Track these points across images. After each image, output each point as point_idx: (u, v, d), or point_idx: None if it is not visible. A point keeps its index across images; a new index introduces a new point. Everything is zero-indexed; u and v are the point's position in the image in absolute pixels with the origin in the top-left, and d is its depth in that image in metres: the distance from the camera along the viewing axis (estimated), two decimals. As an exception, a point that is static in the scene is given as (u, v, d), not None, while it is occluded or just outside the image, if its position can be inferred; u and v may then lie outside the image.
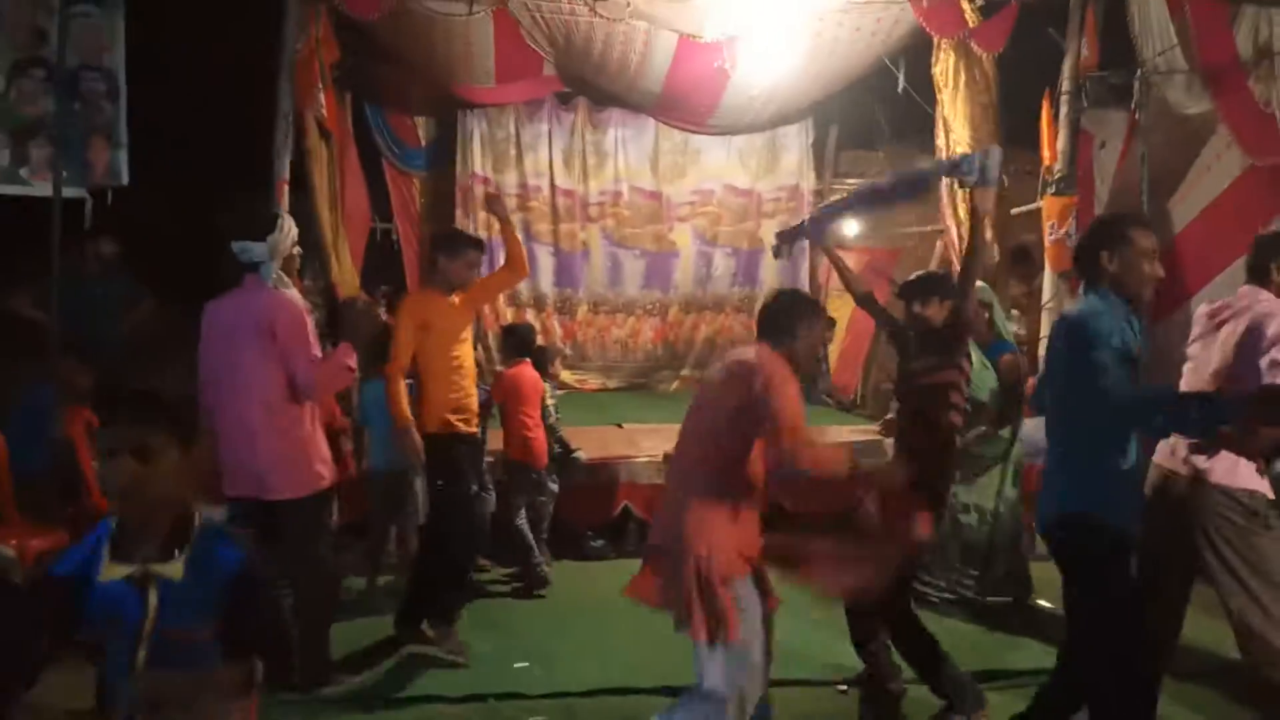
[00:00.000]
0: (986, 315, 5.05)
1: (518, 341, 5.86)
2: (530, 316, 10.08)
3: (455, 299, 4.48)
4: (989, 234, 4.11)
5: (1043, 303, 6.65)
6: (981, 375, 4.83)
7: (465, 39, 8.07)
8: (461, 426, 4.39)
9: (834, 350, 9.74)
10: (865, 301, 4.28)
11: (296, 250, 3.96)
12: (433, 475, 4.45)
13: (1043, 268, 7.37)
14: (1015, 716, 3.25)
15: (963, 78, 7.18)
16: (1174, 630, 3.43)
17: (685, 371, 10.19)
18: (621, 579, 4.51)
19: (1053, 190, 6.54)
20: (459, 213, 9.83)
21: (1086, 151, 6.98)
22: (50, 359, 5.43)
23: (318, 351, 3.73)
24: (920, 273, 4.32)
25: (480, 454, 5.14)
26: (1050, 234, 6.48)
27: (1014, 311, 8.60)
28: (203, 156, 8.30)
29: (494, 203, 5.26)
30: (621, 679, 4.11)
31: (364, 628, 4.60)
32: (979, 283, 4.44)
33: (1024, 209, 7.74)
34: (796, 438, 2.97)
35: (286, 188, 6.04)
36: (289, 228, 3.87)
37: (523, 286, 10.08)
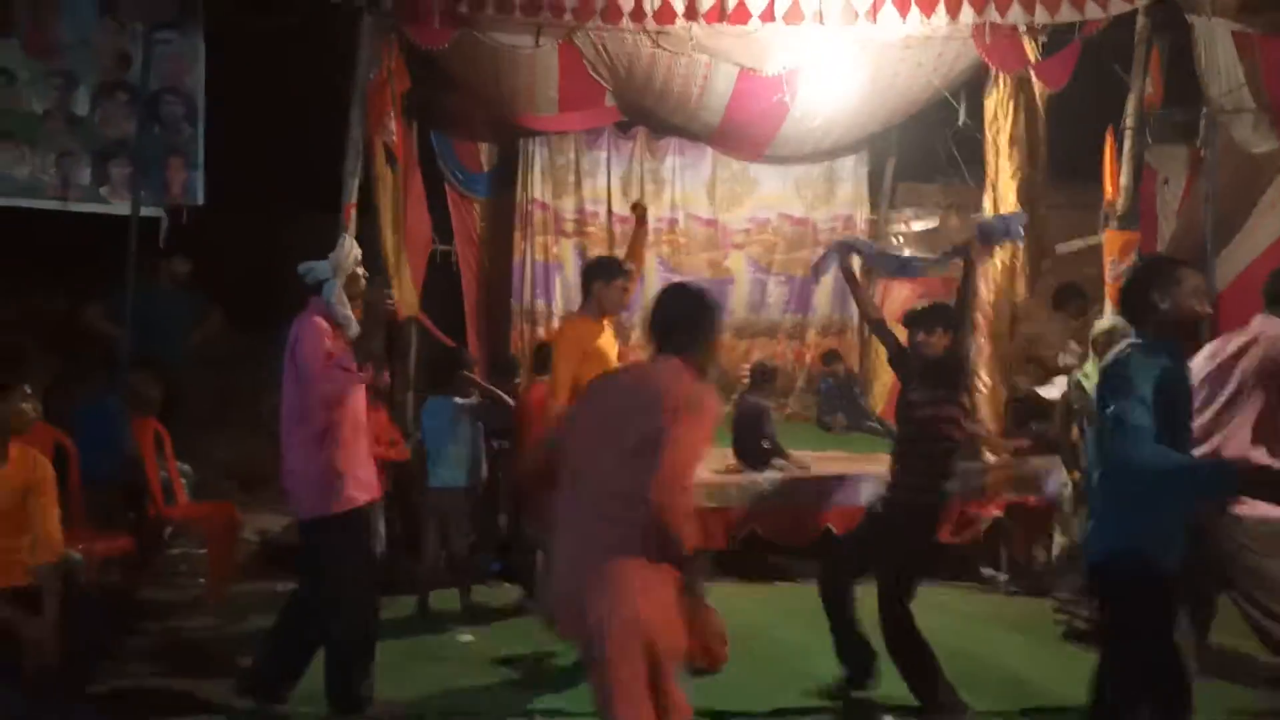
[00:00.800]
0: None
1: None
2: (585, 340, 10.16)
3: (606, 324, 4.55)
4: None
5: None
6: None
7: (530, 70, 8.23)
8: None
9: (885, 380, 9.67)
10: (877, 328, 4.51)
11: (360, 270, 4.04)
12: None
13: (1094, 303, 7.30)
14: None
15: (1014, 112, 7.17)
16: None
17: (736, 396, 10.18)
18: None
19: (1115, 225, 6.48)
20: (517, 235, 9.97)
21: (1149, 187, 6.93)
22: (120, 371, 5.62)
23: (339, 367, 3.76)
24: (925, 302, 4.46)
25: None
26: (1111, 270, 6.41)
27: (1073, 344, 8.50)
28: (275, 179, 8.57)
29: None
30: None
31: (410, 646, 4.68)
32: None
33: (1083, 243, 7.68)
34: (673, 488, 2.53)
35: (354, 211, 6.21)
36: (350, 246, 3.98)
37: (577, 309, 10.18)
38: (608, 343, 4.49)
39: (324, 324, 3.78)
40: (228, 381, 8.54)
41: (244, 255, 8.37)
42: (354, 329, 3.87)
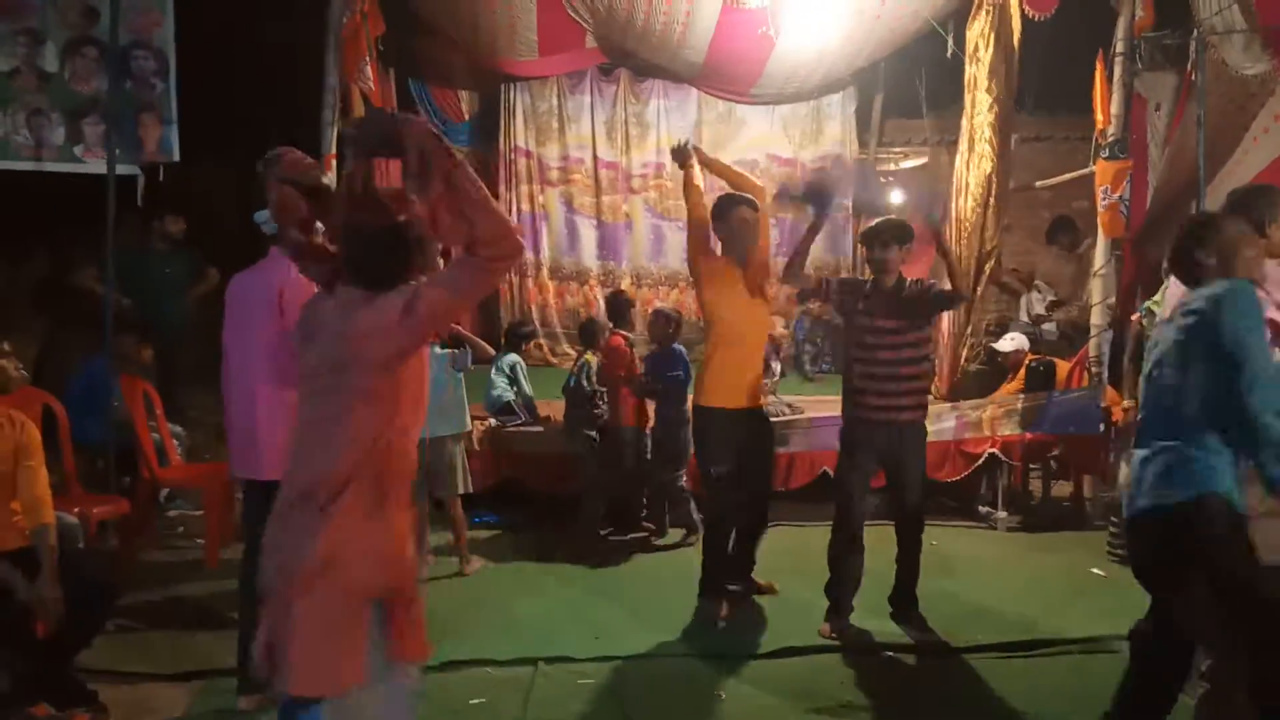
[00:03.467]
0: None
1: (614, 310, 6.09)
2: (574, 290, 10.11)
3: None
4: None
5: (1094, 269, 6.54)
6: None
7: (508, 11, 8.07)
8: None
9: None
10: (795, 274, 4.63)
11: (319, 225, 3.91)
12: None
13: (1087, 236, 7.26)
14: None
15: (994, 43, 7.06)
16: None
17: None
18: (665, 549, 4.58)
19: (1106, 155, 6.41)
20: (502, 186, 9.85)
21: (1140, 115, 6.83)
22: (106, 333, 5.55)
23: None
24: (882, 219, 4.42)
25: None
26: (1103, 199, 6.35)
27: (1038, 284, 8.47)
28: (251, 132, 8.40)
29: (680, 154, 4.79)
30: (670, 644, 4.15)
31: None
32: None
33: (1072, 175, 7.61)
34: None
35: (334, 162, 6.09)
36: None
37: (565, 260, 10.11)
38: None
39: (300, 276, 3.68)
40: (218, 341, 8.47)
41: (224, 212, 8.25)
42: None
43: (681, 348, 5.72)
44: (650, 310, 6.64)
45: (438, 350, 5.10)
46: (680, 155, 4.72)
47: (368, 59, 6.46)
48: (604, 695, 3.72)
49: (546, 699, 3.66)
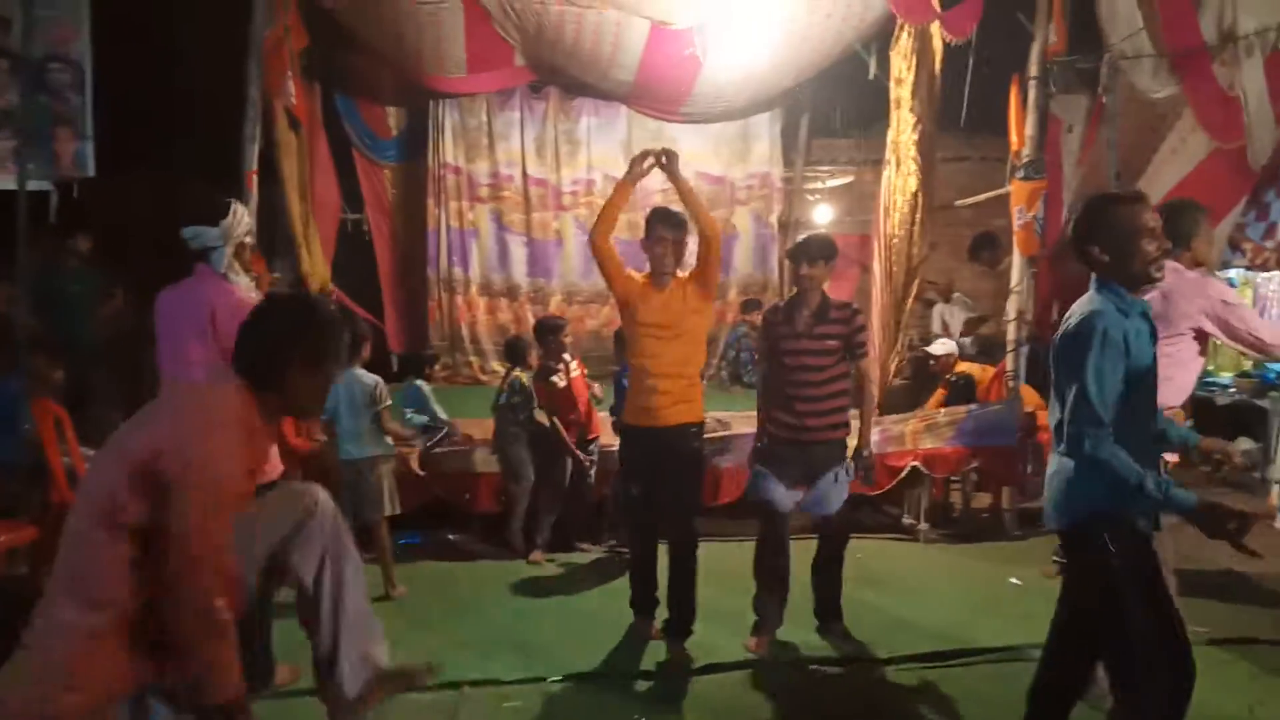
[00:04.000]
0: None
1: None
2: (504, 307, 10.07)
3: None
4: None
5: (1011, 287, 6.71)
6: None
7: (435, 29, 8.04)
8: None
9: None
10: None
11: (249, 240, 3.89)
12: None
13: (1008, 253, 7.43)
14: None
15: (916, 66, 7.23)
16: None
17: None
18: (589, 567, 4.58)
19: (1021, 175, 6.59)
20: (431, 202, 9.80)
21: (1055, 136, 7.05)
22: (18, 353, 5.37)
23: None
24: (808, 234, 4.57)
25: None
26: (1019, 218, 6.53)
27: (956, 296, 8.64)
28: (170, 148, 8.23)
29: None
30: (600, 664, 4.13)
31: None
32: None
33: (990, 195, 7.81)
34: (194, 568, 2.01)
35: (255, 178, 5.99)
36: (242, 214, 3.80)
37: (495, 277, 10.07)
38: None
39: (242, 293, 3.65)
40: (134, 361, 8.25)
41: (142, 229, 8.05)
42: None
43: None
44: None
45: (357, 371, 5.04)
46: (651, 158, 4.37)
47: (290, 73, 6.38)
48: (527, 718, 3.69)
49: (470, 722, 3.62)
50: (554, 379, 5.73)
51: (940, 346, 7.09)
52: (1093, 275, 2.78)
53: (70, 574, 2.09)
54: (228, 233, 3.68)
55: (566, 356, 5.86)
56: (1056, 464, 2.81)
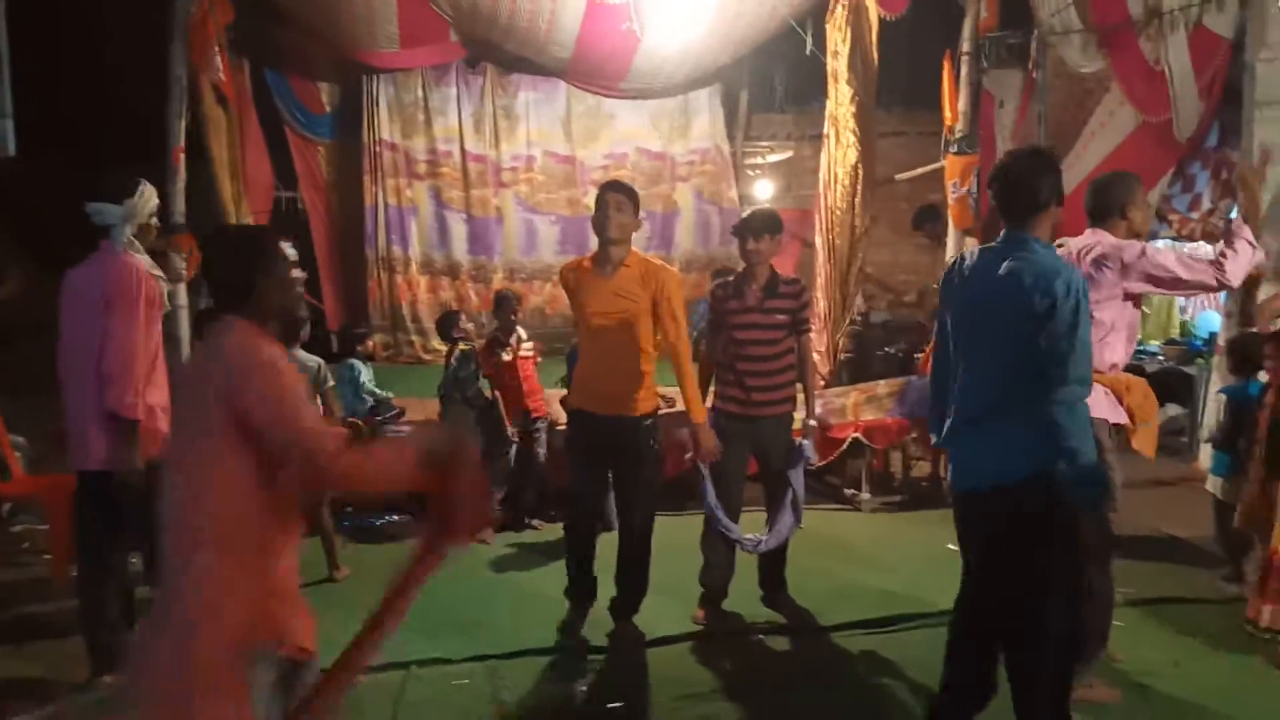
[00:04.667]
0: None
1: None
2: (445, 285, 9.98)
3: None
4: None
5: (946, 259, 6.82)
6: None
7: (366, 3, 7.89)
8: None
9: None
10: (710, 348, 4.45)
11: (154, 221, 3.83)
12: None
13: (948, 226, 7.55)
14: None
15: (850, 40, 7.27)
16: None
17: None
18: (539, 545, 4.58)
19: (954, 150, 6.70)
20: (367, 179, 9.66)
21: (988, 111, 7.17)
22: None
23: (136, 313, 3.54)
24: (753, 209, 4.58)
25: None
26: (953, 192, 6.64)
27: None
28: (95, 125, 7.99)
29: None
30: (544, 640, 4.14)
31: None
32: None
33: (926, 169, 7.91)
34: (304, 440, 2.07)
35: (183, 156, 5.84)
36: (149, 195, 3.75)
37: (436, 254, 9.98)
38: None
39: (140, 264, 3.59)
40: (53, 346, 7.99)
41: (66, 208, 7.81)
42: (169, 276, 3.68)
43: None
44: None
45: (299, 354, 4.97)
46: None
47: (217, 48, 6.22)
48: (477, 696, 3.69)
49: (417, 702, 3.60)
50: (501, 352, 5.72)
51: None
52: (1017, 231, 2.77)
53: (191, 527, 2.13)
54: (130, 212, 3.62)
55: (520, 332, 5.85)
56: (984, 425, 2.77)
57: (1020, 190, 2.78)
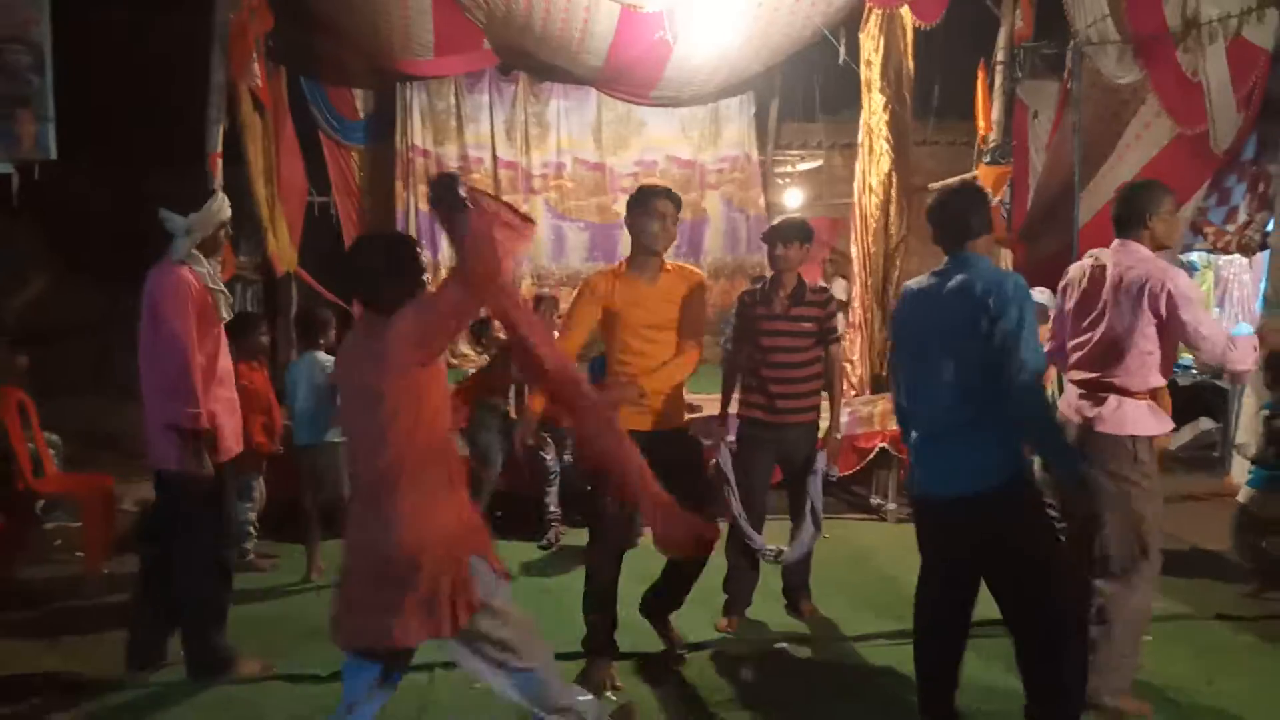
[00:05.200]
0: None
1: None
2: (474, 290, 10.03)
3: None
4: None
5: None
6: None
7: (403, 11, 7.96)
8: None
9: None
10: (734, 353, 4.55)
11: (225, 231, 3.87)
12: None
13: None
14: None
15: (884, 48, 7.25)
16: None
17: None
18: (564, 549, 4.58)
19: (988, 160, 6.65)
20: (399, 185, 9.72)
21: (1021, 121, 7.11)
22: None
23: (185, 325, 3.58)
24: (784, 217, 4.62)
25: None
26: (986, 203, 6.58)
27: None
28: (133, 130, 8.12)
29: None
30: (567, 644, 4.14)
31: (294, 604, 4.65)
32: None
33: (961, 178, 7.86)
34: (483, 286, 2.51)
35: (220, 161, 5.93)
36: (219, 207, 3.77)
37: (466, 260, 10.02)
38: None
39: (190, 276, 3.64)
40: (98, 346, 8.16)
41: (106, 211, 7.94)
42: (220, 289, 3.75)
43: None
44: None
45: (319, 355, 5.03)
46: None
47: (255, 55, 6.31)
48: (500, 701, 3.70)
49: (442, 705, 3.63)
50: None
51: None
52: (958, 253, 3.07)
53: (390, 471, 2.51)
54: (193, 225, 3.67)
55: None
56: (953, 433, 2.98)
57: (954, 223, 3.11)
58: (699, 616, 4.38)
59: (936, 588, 3.22)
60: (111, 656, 3.87)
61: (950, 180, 5.93)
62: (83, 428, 6.69)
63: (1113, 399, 3.36)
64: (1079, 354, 3.53)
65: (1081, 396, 3.46)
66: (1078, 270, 3.61)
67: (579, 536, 5.77)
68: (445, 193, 2.53)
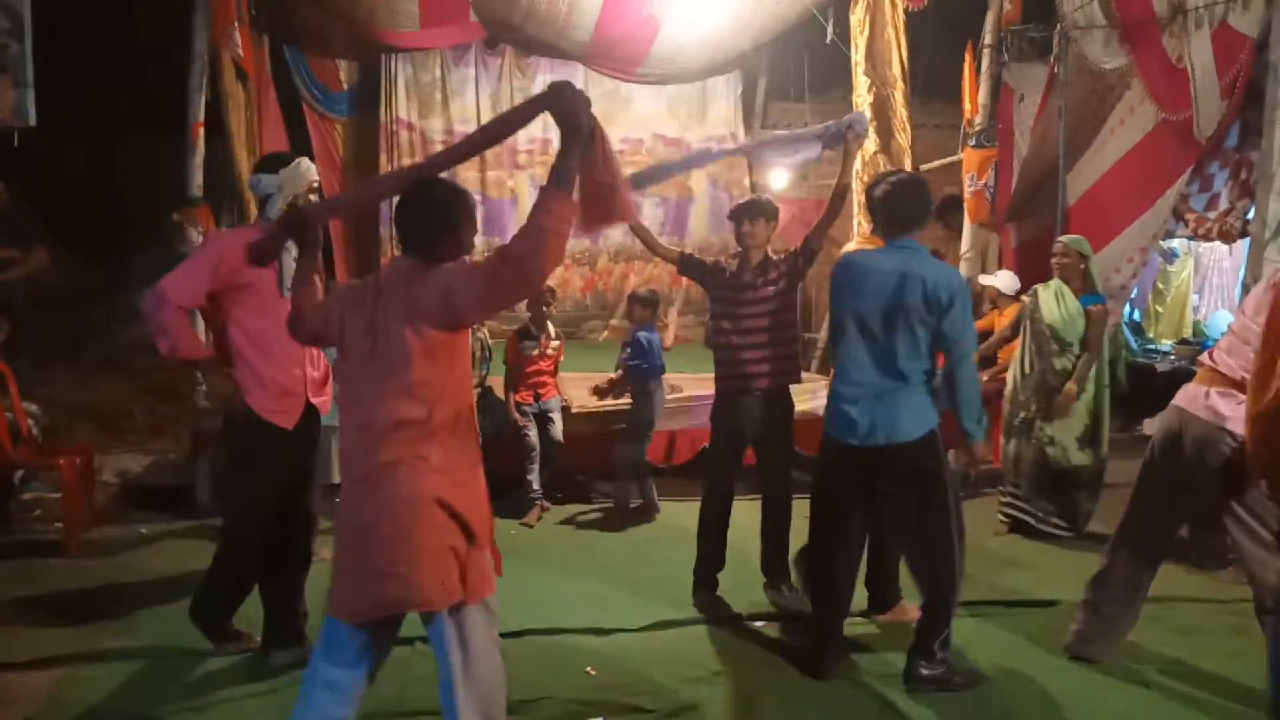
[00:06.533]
0: (1083, 267, 5.31)
1: None
2: (458, 266, 10.01)
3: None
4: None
5: (961, 252, 6.80)
6: (1075, 321, 5.25)
7: (388, -19, 7.90)
8: None
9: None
10: (686, 264, 4.67)
11: (314, 197, 3.79)
12: None
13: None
14: None
15: (871, 28, 7.24)
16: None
17: (615, 321, 10.22)
18: (547, 527, 4.59)
19: (973, 143, 6.67)
20: (383, 157, 9.67)
21: (1007, 105, 7.12)
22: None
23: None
24: (749, 196, 4.74)
25: None
26: (970, 185, 6.61)
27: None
28: (114, 97, 8.03)
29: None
30: (547, 620, 4.18)
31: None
32: (1076, 236, 5.34)
33: (943, 161, 7.88)
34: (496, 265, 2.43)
35: (202, 130, 5.87)
36: (305, 168, 3.70)
37: (450, 235, 10.00)
38: None
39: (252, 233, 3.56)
40: (78, 316, 8.10)
41: (86, 180, 7.86)
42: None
43: (645, 335, 5.75)
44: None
45: None
46: None
47: (238, 24, 6.24)
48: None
49: (423, 678, 3.64)
50: (527, 343, 5.77)
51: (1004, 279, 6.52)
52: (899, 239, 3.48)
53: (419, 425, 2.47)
54: (284, 181, 3.62)
55: (551, 329, 5.91)
56: (891, 392, 3.45)
57: (896, 212, 3.51)
58: (676, 594, 4.41)
59: (847, 518, 3.64)
60: (86, 630, 3.85)
61: (890, 170, 5.99)
62: (60, 397, 6.65)
63: None
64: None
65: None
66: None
67: (560, 513, 5.82)
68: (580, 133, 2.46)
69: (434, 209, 2.59)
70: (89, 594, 4.40)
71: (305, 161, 3.75)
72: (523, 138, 10.04)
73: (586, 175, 2.44)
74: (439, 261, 2.54)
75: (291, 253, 3.44)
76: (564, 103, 2.43)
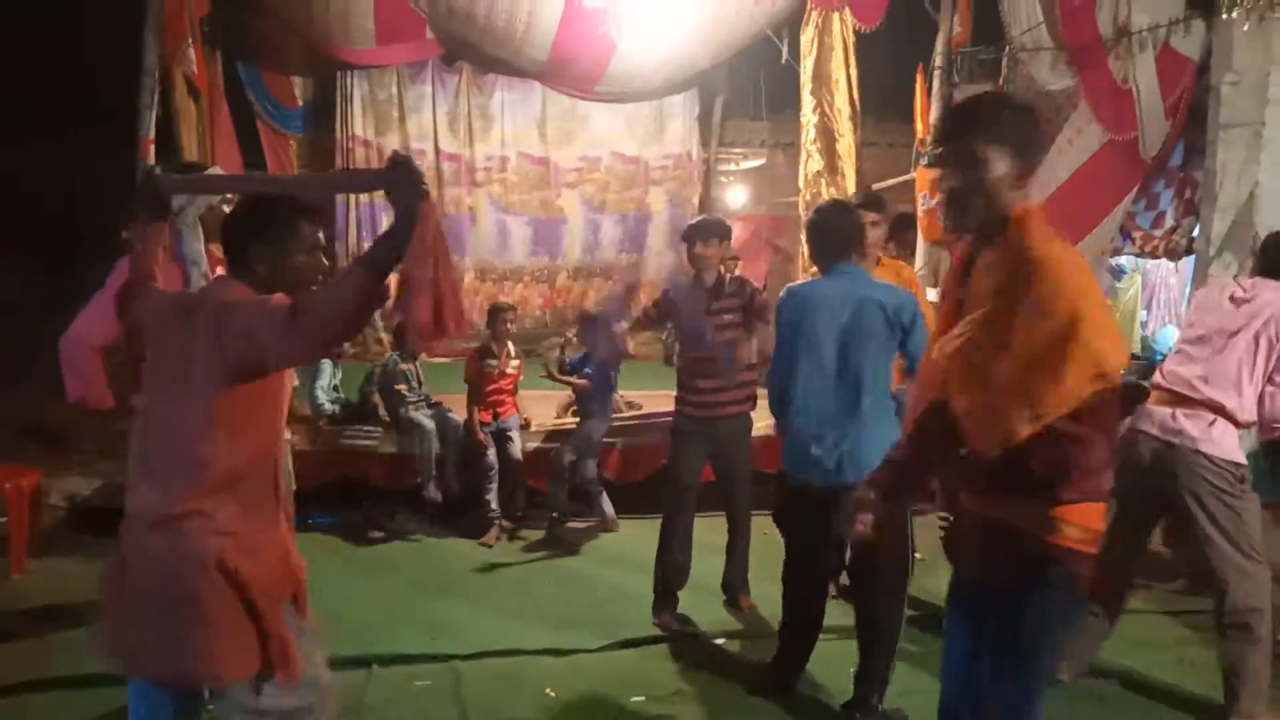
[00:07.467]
0: None
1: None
2: (415, 283, 9.94)
3: None
4: None
5: (916, 270, 6.88)
6: None
7: (343, -2, 7.86)
8: None
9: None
10: (661, 316, 4.67)
11: (226, 209, 3.75)
12: None
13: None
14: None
15: (819, 49, 7.32)
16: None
17: (574, 338, 10.19)
18: (505, 546, 4.55)
19: (925, 162, 6.76)
20: (340, 176, 9.57)
21: (959, 125, 7.23)
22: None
23: None
24: (701, 217, 4.79)
25: None
26: (923, 204, 6.70)
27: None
28: (62, 113, 7.88)
29: None
30: (506, 642, 4.14)
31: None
32: None
33: (897, 180, 7.99)
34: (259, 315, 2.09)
35: (153, 147, 5.79)
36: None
37: (407, 253, 9.94)
38: None
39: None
40: (25, 332, 7.87)
41: (37, 196, 7.70)
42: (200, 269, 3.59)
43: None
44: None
45: None
46: None
47: (190, 40, 6.16)
48: (440, 697, 3.68)
49: (380, 702, 3.60)
50: (489, 361, 5.75)
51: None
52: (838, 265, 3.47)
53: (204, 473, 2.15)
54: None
55: (511, 348, 5.91)
56: (863, 422, 3.35)
57: (827, 239, 3.51)
58: (635, 613, 4.40)
59: (820, 552, 3.57)
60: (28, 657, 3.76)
61: (822, 201, 6.09)
62: (5, 417, 6.49)
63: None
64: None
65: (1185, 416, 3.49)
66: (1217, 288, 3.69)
67: (519, 532, 5.78)
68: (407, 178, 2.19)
69: (265, 226, 2.29)
70: (33, 618, 4.29)
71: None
72: (480, 155, 10.04)
73: (410, 270, 2.21)
74: (266, 287, 2.23)
75: (200, 265, 3.45)
76: (401, 185, 2.16)
